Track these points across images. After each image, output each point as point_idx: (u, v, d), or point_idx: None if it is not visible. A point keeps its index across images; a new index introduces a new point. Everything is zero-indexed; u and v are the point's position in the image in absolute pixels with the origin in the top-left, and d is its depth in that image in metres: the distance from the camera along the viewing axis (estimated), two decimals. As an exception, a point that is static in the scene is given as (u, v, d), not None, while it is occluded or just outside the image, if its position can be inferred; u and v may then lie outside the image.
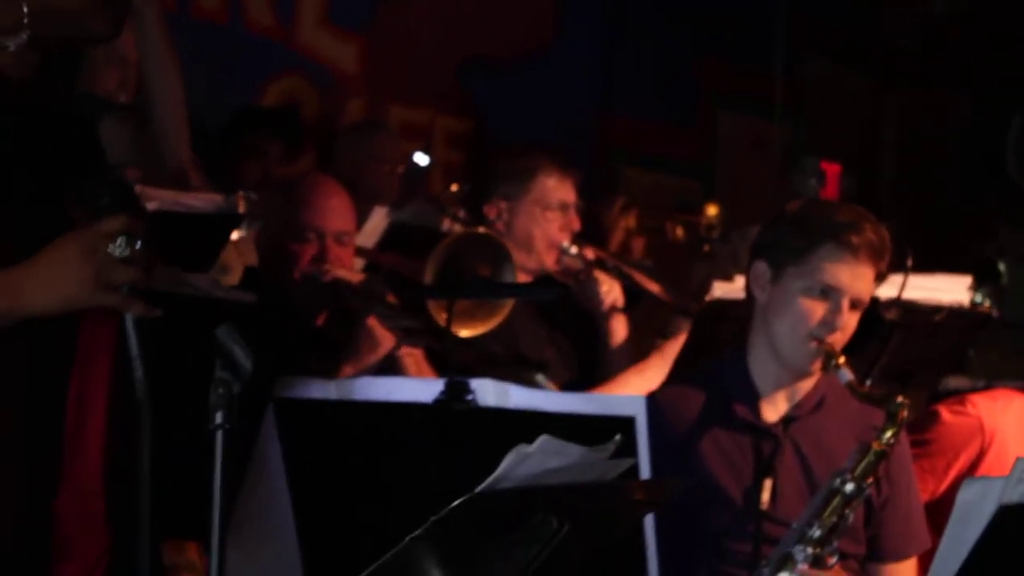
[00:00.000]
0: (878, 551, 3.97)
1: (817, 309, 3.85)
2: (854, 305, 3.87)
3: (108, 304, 2.41)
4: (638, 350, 5.03)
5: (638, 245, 7.03)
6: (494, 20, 8.42)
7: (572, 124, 8.89)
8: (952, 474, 4.40)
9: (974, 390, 5.93)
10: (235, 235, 4.84)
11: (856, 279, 3.85)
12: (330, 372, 4.37)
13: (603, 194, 8.54)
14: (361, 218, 5.89)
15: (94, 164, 2.71)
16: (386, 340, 4.34)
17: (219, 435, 2.35)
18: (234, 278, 5.09)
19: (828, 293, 3.85)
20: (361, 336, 4.35)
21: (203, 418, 2.51)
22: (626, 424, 3.34)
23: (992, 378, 6.68)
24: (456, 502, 2.36)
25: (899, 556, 4.00)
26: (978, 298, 7.32)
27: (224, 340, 2.36)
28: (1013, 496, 2.82)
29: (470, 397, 3.31)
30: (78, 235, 2.40)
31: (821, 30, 10.63)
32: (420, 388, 3.42)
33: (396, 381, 3.56)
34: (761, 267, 3.96)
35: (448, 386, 3.33)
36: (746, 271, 4.05)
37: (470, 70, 8.38)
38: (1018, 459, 2.82)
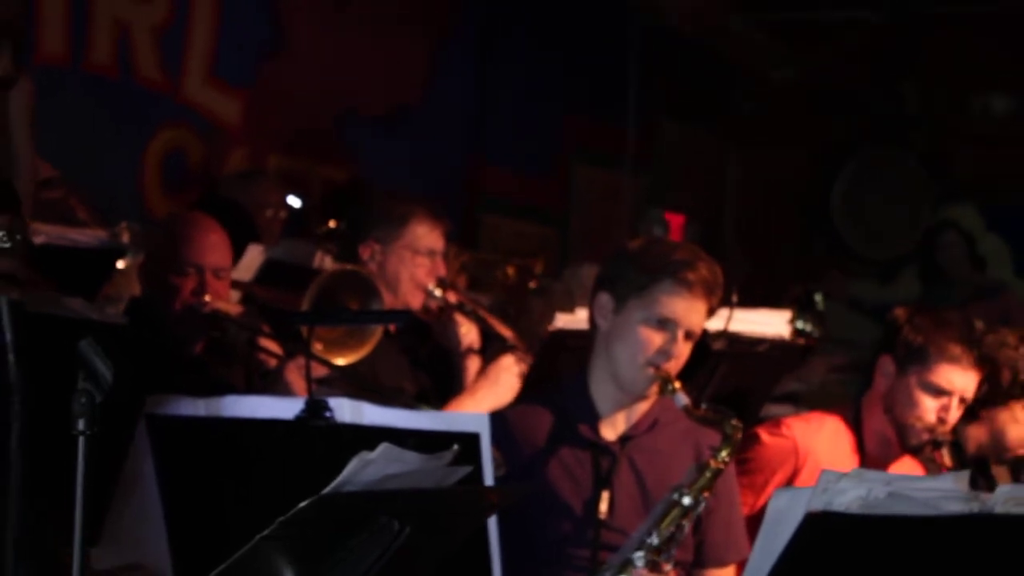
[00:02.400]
0: (702, 557, 4.07)
1: (655, 338, 3.95)
2: (688, 335, 3.98)
3: None
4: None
5: (461, 282, 7.06)
6: (370, 75, 8.47)
7: (443, 174, 8.95)
8: (770, 489, 4.49)
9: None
10: (121, 264, 4.85)
11: (690, 312, 3.96)
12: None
13: (471, 243, 8.62)
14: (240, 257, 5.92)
15: None
16: (299, 391, 4.38)
17: (81, 441, 2.38)
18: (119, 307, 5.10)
19: (665, 324, 3.95)
20: (277, 387, 4.39)
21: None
22: (472, 439, 3.42)
23: (814, 403, 6.83)
24: (302, 504, 2.39)
25: (720, 563, 4.11)
26: (800, 325, 7.49)
27: (86, 352, 2.40)
28: (818, 504, 2.91)
29: (328, 414, 3.37)
30: None
31: (672, 92, 10.78)
32: (282, 406, 3.46)
33: (260, 399, 3.58)
34: (605, 298, 4.05)
35: (308, 404, 3.39)
36: (589, 302, 4.14)
37: (347, 122, 8.41)
38: (823, 471, 2.91)
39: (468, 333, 5.16)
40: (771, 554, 2.95)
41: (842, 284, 10.95)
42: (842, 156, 11.02)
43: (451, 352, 5.19)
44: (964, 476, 3.02)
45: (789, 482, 4.50)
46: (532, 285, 6.97)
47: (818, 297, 7.42)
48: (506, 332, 5.30)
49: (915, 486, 3.04)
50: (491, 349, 5.29)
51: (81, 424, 2.36)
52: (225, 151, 7.73)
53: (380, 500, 2.50)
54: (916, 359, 4.45)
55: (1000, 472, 5.30)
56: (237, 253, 5.71)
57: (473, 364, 5.16)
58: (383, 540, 2.52)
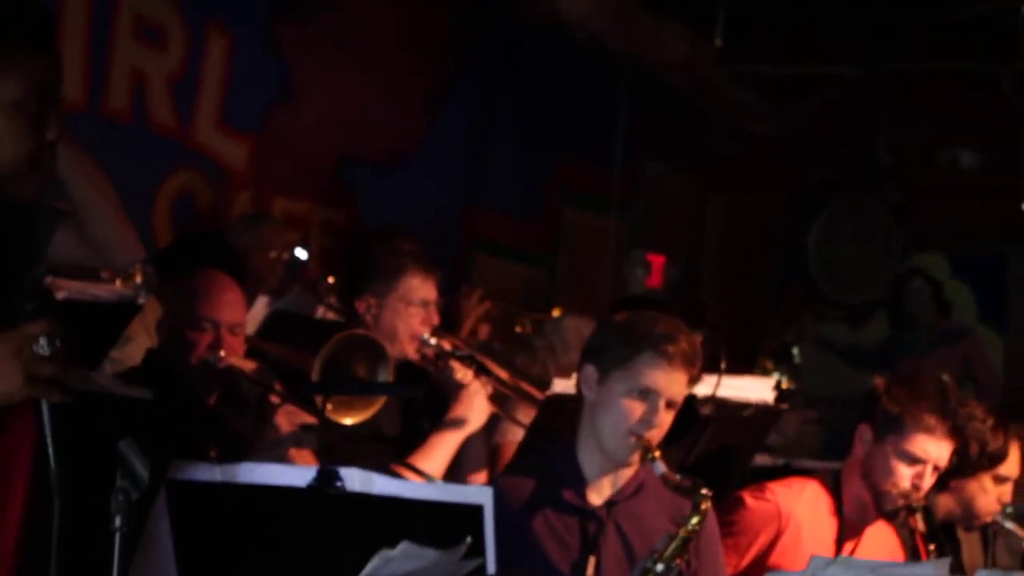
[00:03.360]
0: (688, 617, 4.10)
1: (637, 408, 3.98)
2: (669, 405, 4.01)
3: (35, 395, 2.49)
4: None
5: (483, 330, 7.10)
6: (371, 122, 8.50)
7: (439, 216, 8.98)
8: (753, 551, 4.53)
9: (775, 468, 6.12)
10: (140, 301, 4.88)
11: (671, 383, 3.99)
12: (220, 446, 4.41)
13: (463, 282, 8.65)
14: (248, 300, 5.94)
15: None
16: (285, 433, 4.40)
17: (118, 537, 2.40)
18: (137, 349, 5.11)
19: (647, 395, 3.98)
20: (266, 433, 4.40)
21: (102, 502, 2.56)
22: (475, 511, 3.45)
23: (790, 453, 6.89)
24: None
25: (706, 621, 4.13)
26: (776, 375, 7.55)
27: (125, 452, 2.42)
28: (807, 591, 2.95)
29: (339, 483, 3.39)
30: (5, 337, 2.48)
31: (656, 138, 10.83)
32: (295, 474, 3.48)
33: (274, 467, 3.60)
34: (590, 370, 4.09)
35: (319, 473, 3.41)
36: (577, 370, 4.18)
37: (348, 167, 8.45)
38: (813, 556, 2.94)
39: (464, 378, 5.19)
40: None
41: (813, 326, 11.01)
42: (816, 205, 11.07)
43: (448, 398, 5.22)
44: (944, 563, 3.07)
45: (772, 544, 4.53)
46: (517, 330, 7.00)
47: (795, 351, 7.50)
48: (502, 374, 5.33)
49: (899, 572, 3.09)
50: None
51: (118, 521, 2.38)
52: (232, 194, 7.75)
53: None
54: (893, 428, 4.49)
55: (970, 539, 5.35)
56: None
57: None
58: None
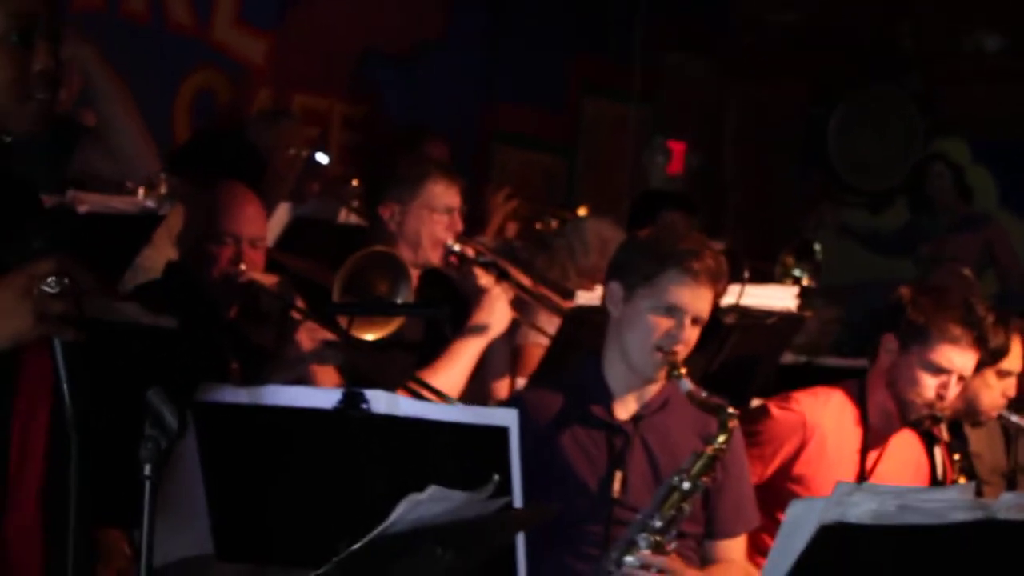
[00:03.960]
0: (712, 530, 4.08)
1: (663, 325, 3.94)
2: (695, 321, 3.97)
3: (47, 333, 2.45)
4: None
5: (511, 228, 7.04)
6: (390, 17, 8.39)
7: (459, 110, 8.89)
8: (777, 461, 4.51)
9: (796, 366, 6.09)
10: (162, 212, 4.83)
11: (697, 299, 3.95)
12: (242, 359, 4.39)
13: (484, 173, 8.59)
14: (269, 200, 5.90)
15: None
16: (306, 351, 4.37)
17: (148, 485, 2.37)
18: (159, 255, 5.07)
19: (673, 311, 3.94)
20: (288, 350, 4.37)
21: (132, 420, 2.54)
22: (501, 432, 3.43)
23: (811, 351, 6.83)
24: (356, 545, 2.39)
25: (731, 534, 4.11)
26: (797, 272, 7.49)
27: (154, 401, 2.38)
28: (831, 516, 2.91)
29: (365, 405, 3.37)
30: (12, 278, 2.44)
31: (676, 28, 10.68)
32: (321, 396, 3.47)
33: (300, 389, 3.59)
34: (615, 287, 4.04)
35: (345, 395, 3.38)
36: (604, 284, 4.14)
37: (368, 61, 8.35)
38: (838, 483, 2.91)
39: (487, 284, 5.15)
40: (785, 563, 2.95)
41: (834, 213, 10.92)
42: (837, 92, 10.93)
43: (472, 303, 5.18)
44: (969, 487, 3.04)
45: (797, 453, 4.50)
46: (538, 227, 6.93)
47: (816, 247, 7.42)
48: (525, 280, 5.29)
49: (924, 498, 3.05)
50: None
51: (148, 469, 2.36)
52: (252, 91, 7.68)
53: (427, 535, 2.50)
54: (918, 339, 4.44)
55: (977, 434, 5.31)
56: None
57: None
58: (428, 565, 2.53)
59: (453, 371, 4.69)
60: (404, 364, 4.75)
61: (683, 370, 3.89)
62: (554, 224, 6.83)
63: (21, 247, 2.47)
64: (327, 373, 4.37)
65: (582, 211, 7.10)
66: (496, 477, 2.70)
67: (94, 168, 4.60)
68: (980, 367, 4.91)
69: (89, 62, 4.49)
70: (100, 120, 4.46)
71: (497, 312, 4.83)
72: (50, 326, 2.42)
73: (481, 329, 4.80)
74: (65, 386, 2.41)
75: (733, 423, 3.84)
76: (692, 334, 3.96)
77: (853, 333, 9.71)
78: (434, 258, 5.06)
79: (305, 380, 4.37)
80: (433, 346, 4.88)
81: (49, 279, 2.42)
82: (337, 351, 4.29)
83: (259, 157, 6.27)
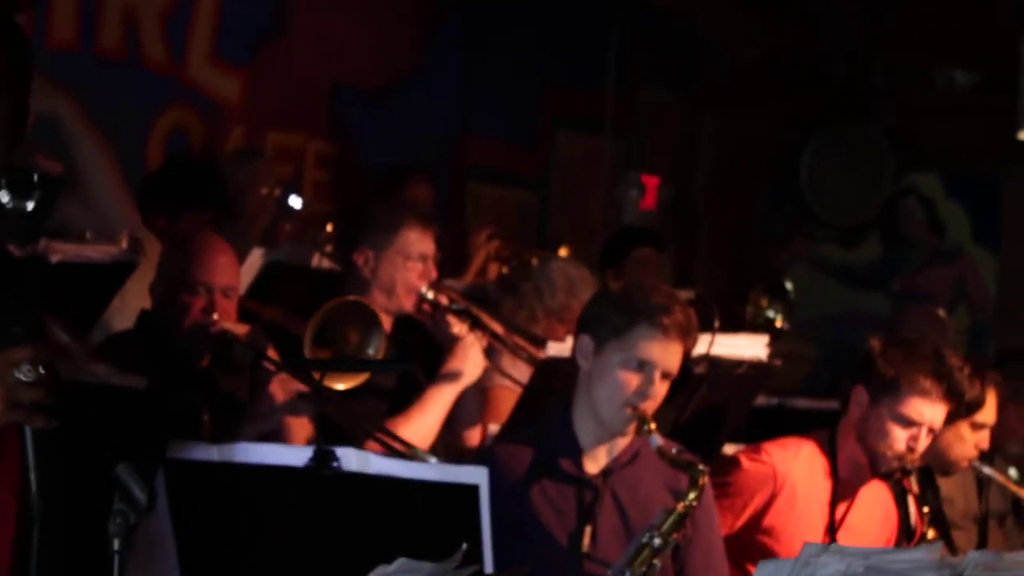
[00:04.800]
0: (683, 583, 4.10)
1: (632, 380, 3.96)
2: (665, 376, 3.99)
3: (16, 421, 2.46)
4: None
5: (493, 269, 7.05)
6: (363, 53, 8.41)
7: (433, 145, 8.91)
8: (747, 513, 4.53)
9: (768, 408, 6.12)
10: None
11: (667, 354, 3.97)
12: (214, 409, 4.40)
13: (458, 209, 8.60)
14: (239, 239, 5.90)
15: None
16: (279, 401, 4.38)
17: (116, 559, 2.38)
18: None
19: (642, 366, 3.96)
20: (261, 402, 4.38)
21: (102, 490, 2.55)
22: (471, 491, 3.45)
23: (784, 388, 6.85)
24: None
25: (701, 586, 4.14)
26: (771, 313, 7.53)
27: (122, 476, 2.40)
28: (801, 577, 2.93)
29: (335, 464, 3.38)
30: None
31: (649, 61, 10.71)
32: (292, 453, 3.48)
33: (271, 447, 3.61)
34: (585, 340, 4.06)
35: (316, 453, 3.40)
36: (574, 336, 4.16)
37: (341, 98, 8.36)
38: (805, 544, 2.92)
39: (460, 332, 5.17)
40: (754, 626, 2.97)
41: (807, 247, 10.97)
42: (809, 126, 10.99)
43: (445, 350, 5.20)
44: (936, 547, 3.05)
45: (767, 505, 4.53)
46: (503, 271, 6.95)
47: (789, 285, 7.47)
48: (497, 328, 5.31)
49: (890, 558, 3.06)
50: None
51: (116, 544, 2.37)
52: (226, 129, 7.69)
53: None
54: (888, 391, 4.46)
55: (947, 484, 5.35)
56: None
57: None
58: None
59: (426, 419, 4.71)
60: (377, 412, 4.77)
61: (653, 425, 3.92)
62: (534, 262, 6.88)
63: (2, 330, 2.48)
64: (300, 424, 4.39)
65: (563, 251, 7.13)
66: (464, 546, 2.70)
67: (68, 219, 4.62)
68: (954, 419, 4.95)
69: (67, 118, 4.51)
70: (77, 174, 4.48)
71: (471, 360, 4.85)
72: (21, 413, 2.43)
73: (455, 377, 4.82)
74: (33, 475, 2.41)
75: (703, 480, 3.87)
76: (662, 389, 3.99)
77: (827, 368, 9.77)
78: (407, 305, 5.07)
79: (278, 431, 4.38)
80: (406, 392, 4.89)
81: (24, 367, 2.43)
82: (309, 402, 4.31)
83: (225, 189, 6.31)
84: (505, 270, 6.94)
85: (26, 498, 2.41)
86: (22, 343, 2.44)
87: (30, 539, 2.37)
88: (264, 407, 4.34)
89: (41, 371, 2.41)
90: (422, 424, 4.67)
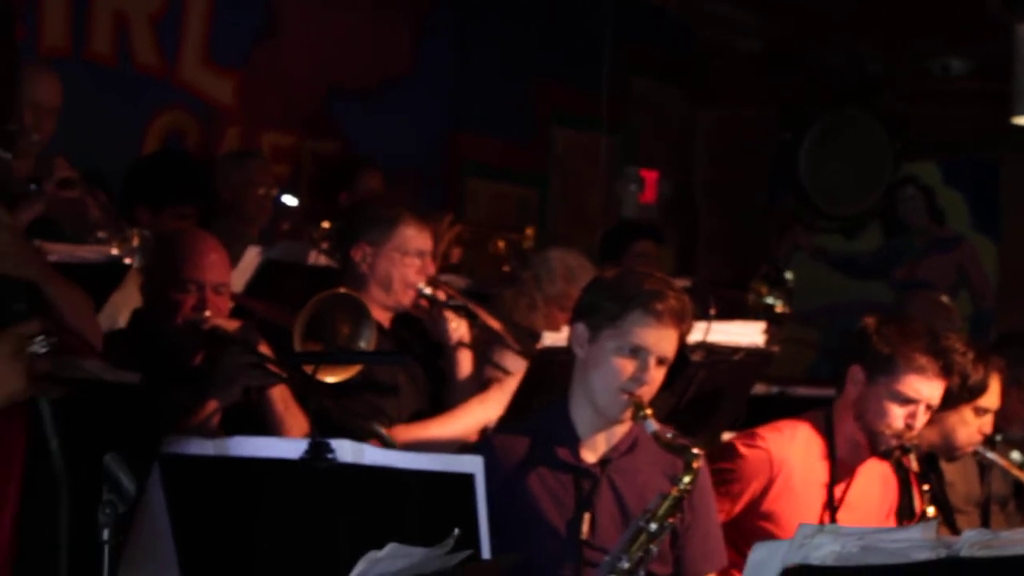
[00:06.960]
0: (681, 570, 4.08)
1: (627, 366, 3.95)
2: (660, 362, 3.98)
3: (37, 393, 2.48)
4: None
5: (455, 254, 7.01)
6: (357, 52, 8.41)
7: (427, 144, 8.91)
8: (745, 498, 4.52)
9: (769, 396, 6.11)
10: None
11: (661, 340, 3.96)
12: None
13: (457, 207, 8.58)
14: (238, 240, 5.90)
15: None
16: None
17: (106, 549, 2.38)
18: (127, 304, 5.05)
19: (637, 352, 3.95)
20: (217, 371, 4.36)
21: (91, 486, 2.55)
22: (466, 479, 3.45)
23: (785, 378, 6.84)
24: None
25: (699, 574, 4.12)
26: (770, 300, 7.51)
27: (111, 466, 2.39)
28: (795, 558, 2.93)
29: (330, 456, 3.38)
30: (2, 340, 2.46)
31: (643, 55, 10.71)
32: (287, 446, 3.49)
33: (266, 440, 3.61)
34: (580, 328, 4.05)
35: (311, 445, 3.40)
36: (570, 325, 4.15)
37: (335, 98, 8.36)
38: (801, 525, 2.92)
39: (458, 328, 5.17)
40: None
41: (807, 238, 10.95)
42: (807, 118, 10.98)
43: (443, 346, 5.20)
44: (931, 526, 3.05)
45: (764, 490, 4.52)
46: (505, 269, 6.94)
47: (788, 274, 7.45)
48: (495, 324, 5.31)
49: (886, 538, 3.06)
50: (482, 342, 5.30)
51: (106, 534, 2.36)
52: (220, 131, 7.69)
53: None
54: (884, 369, 4.45)
55: (951, 469, 5.33)
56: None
57: (464, 357, 5.17)
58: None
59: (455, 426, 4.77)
60: (374, 406, 4.76)
61: (649, 411, 3.90)
62: (500, 245, 6.86)
63: (1, 311, 2.50)
64: (297, 419, 4.38)
65: (528, 230, 7.12)
66: (456, 531, 2.70)
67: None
68: (958, 403, 4.95)
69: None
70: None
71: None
72: (41, 386, 2.45)
73: (491, 407, 4.83)
74: (54, 444, 2.43)
75: (698, 464, 3.86)
76: (657, 375, 3.97)
77: (828, 357, 9.76)
78: (405, 301, 5.08)
79: (274, 427, 4.38)
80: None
81: (38, 339, 2.45)
82: (265, 374, 4.29)
83: (207, 181, 6.32)
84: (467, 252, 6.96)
85: (48, 466, 2.41)
86: (27, 318, 2.46)
87: (57, 504, 2.36)
88: (222, 378, 4.32)
89: (53, 340, 2.43)
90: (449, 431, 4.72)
